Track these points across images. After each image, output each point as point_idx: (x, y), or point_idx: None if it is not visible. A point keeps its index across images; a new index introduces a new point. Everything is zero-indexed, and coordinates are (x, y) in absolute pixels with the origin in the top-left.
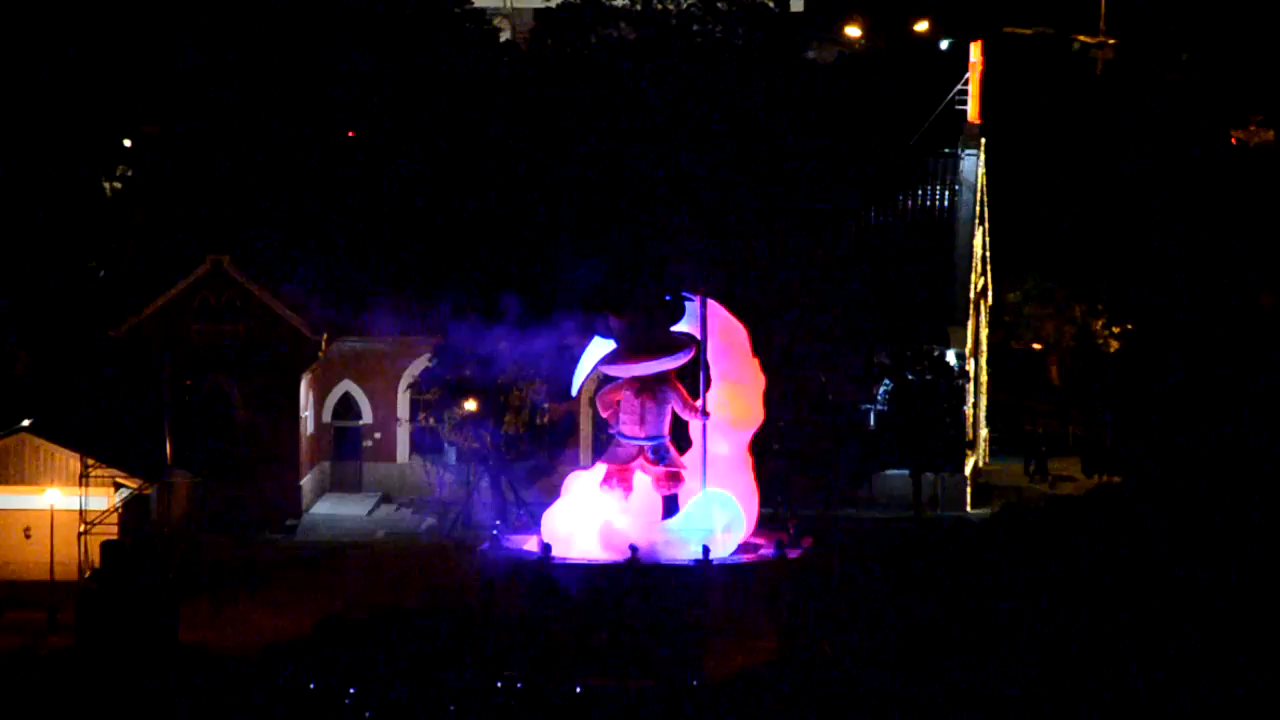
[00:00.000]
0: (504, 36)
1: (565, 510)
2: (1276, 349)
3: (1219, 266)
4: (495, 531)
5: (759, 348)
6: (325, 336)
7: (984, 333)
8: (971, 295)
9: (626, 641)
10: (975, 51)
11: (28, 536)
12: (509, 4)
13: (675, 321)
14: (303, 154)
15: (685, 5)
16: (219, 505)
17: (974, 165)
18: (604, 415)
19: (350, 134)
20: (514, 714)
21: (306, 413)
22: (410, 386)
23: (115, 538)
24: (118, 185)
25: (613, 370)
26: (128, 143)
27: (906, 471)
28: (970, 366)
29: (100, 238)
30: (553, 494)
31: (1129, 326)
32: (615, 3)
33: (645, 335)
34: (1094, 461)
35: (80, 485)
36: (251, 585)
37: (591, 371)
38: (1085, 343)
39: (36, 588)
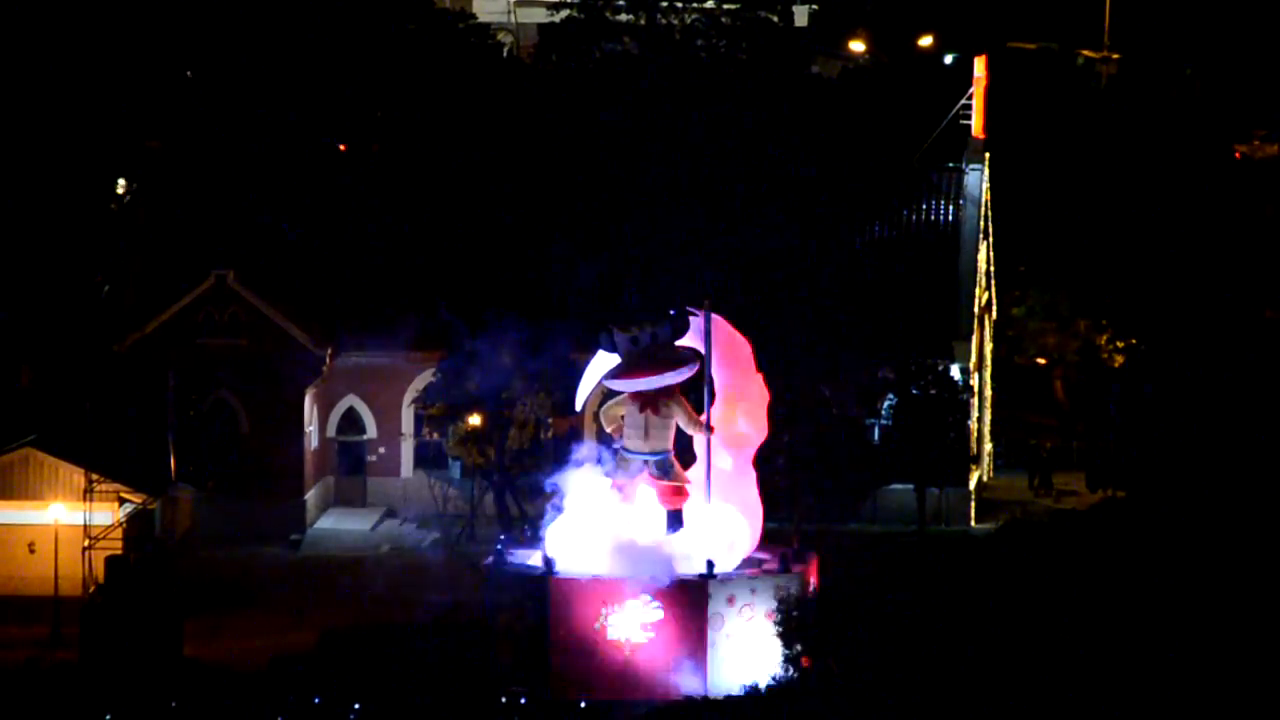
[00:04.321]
0: (507, 51)
1: (569, 525)
2: None
3: (1223, 280)
4: (499, 546)
5: (762, 362)
6: (329, 351)
7: (988, 347)
8: (975, 310)
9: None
10: (979, 66)
11: (32, 551)
12: (512, 19)
13: (679, 336)
14: (306, 168)
15: (689, 20)
16: (223, 520)
17: (978, 180)
18: (608, 430)
19: (343, 147)
20: None
21: (311, 428)
22: (414, 401)
23: (119, 553)
24: (124, 200)
25: (616, 385)
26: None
27: (910, 486)
28: (974, 381)
29: (104, 252)
30: (557, 509)
31: (1133, 341)
32: (619, 18)
33: (649, 350)
34: (1098, 476)
35: (84, 500)
36: (255, 599)
37: (595, 386)
38: (1089, 357)
39: (40, 603)
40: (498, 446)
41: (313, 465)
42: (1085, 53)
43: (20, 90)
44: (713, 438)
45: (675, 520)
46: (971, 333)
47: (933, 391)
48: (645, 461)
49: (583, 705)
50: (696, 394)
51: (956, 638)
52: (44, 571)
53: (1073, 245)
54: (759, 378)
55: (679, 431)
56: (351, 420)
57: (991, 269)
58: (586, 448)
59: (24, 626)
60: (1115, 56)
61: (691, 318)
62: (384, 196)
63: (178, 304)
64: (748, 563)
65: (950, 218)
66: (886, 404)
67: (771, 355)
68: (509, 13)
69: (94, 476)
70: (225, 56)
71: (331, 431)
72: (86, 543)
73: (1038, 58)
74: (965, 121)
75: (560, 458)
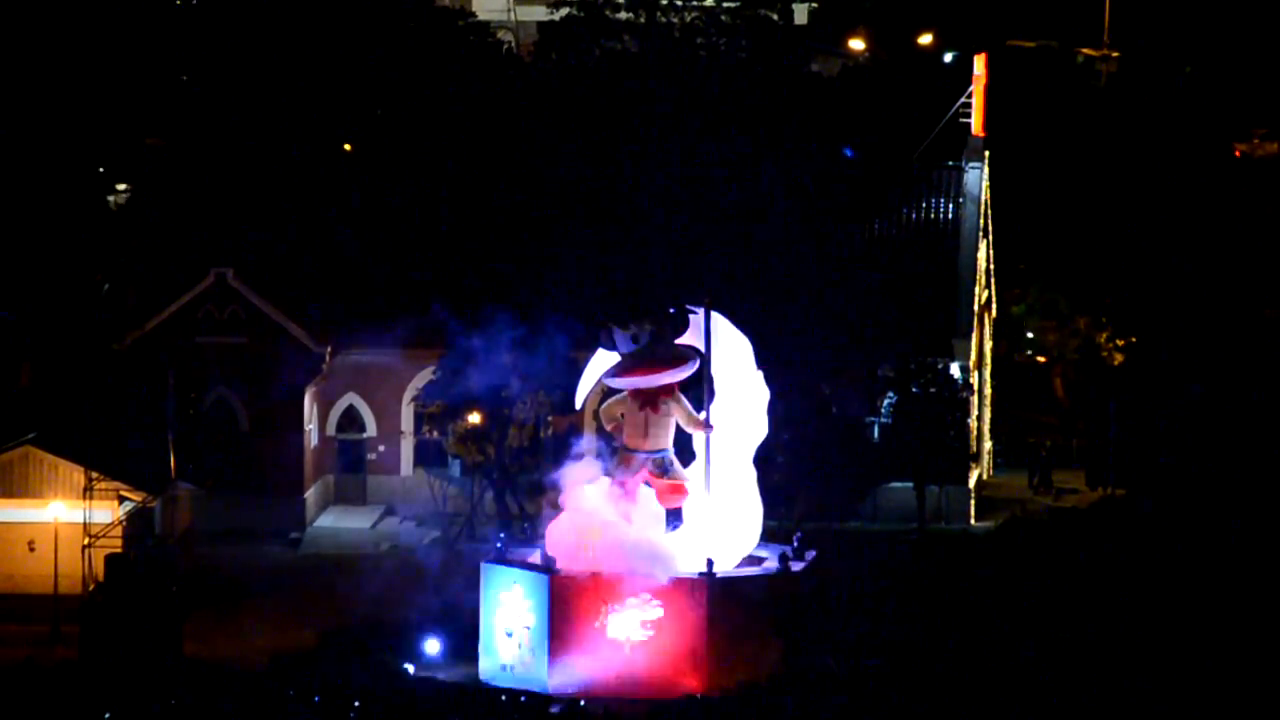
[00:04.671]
0: (506, 49)
1: (569, 523)
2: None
3: (1222, 279)
4: (499, 544)
5: (762, 360)
6: (329, 349)
7: (988, 345)
8: (975, 308)
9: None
10: (979, 64)
11: (31, 549)
12: (512, 17)
13: (679, 334)
14: (307, 166)
15: (689, 18)
16: (223, 518)
17: (978, 178)
18: (607, 428)
19: (349, 147)
20: None
21: (310, 426)
22: (414, 399)
23: (119, 551)
24: (121, 200)
25: (616, 383)
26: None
27: (910, 484)
28: (974, 379)
29: (105, 251)
30: (556, 507)
31: (1133, 339)
32: (619, 15)
33: (649, 348)
34: (1098, 474)
35: (84, 498)
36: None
37: (595, 384)
38: (1089, 355)
39: (40, 601)
40: (497, 445)
41: (312, 463)
42: (1085, 51)
43: (20, 88)
44: (712, 435)
45: (675, 518)
46: (971, 331)
47: (932, 390)
48: (645, 459)
49: (581, 703)
50: (696, 392)
51: (956, 636)
52: (44, 570)
53: (1072, 243)
54: (758, 376)
55: (678, 429)
56: (351, 418)
57: (991, 267)
58: (586, 440)
59: (23, 625)
60: (1115, 55)
61: (691, 315)
62: (384, 194)
63: (177, 302)
64: (747, 560)
65: (950, 216)
66: (886, 402)
67: (771, 353)
68: (509, 10)
69: (94, 474)
70: (225, 55)
71: (331, 429)
72: (86, 541)
73: (1037, 56)
74: (965, 120)
75: (560, 456)
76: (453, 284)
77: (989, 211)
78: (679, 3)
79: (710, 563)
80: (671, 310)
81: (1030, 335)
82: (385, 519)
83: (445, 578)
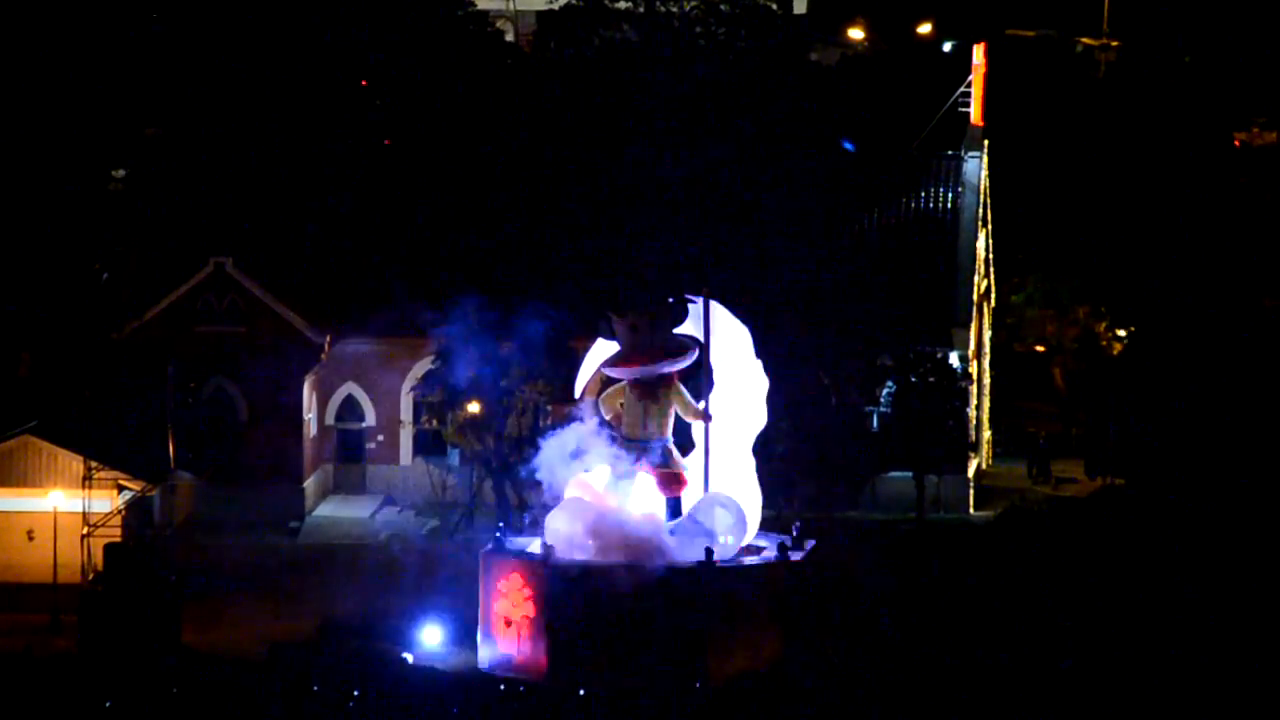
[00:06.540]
0: (507, 38)
1: (568, 512)
2: (1279, 351)
3: (1222, 268)
4: (498, 534)
5: (762, 349)
6: (328, 339)
7: (987, 334)
8: (974, 297)
9: (629, 644)
10: (978, 54)
11: (31, 539)
12: (511, 6)
13: (678, 323)
14: (305, 155)
15: (688, 7)
16: (222, 508)
17: (977, 167)
18: (607, 418)
19: (347, 138)
20: (517, 716)
21: (309, 415)
22: (413, 389)
23: (118, 540)
24: (120, 187)
25: (615, 372)
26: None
27: (909, 474)
28: (973, 368)
29: (103, 240)
30: (555, 496)
31: (1132, 328)
32: (618, 5)
33: (648, 337)
34: (1097, 463)
35: (83, 487)
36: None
37: (594, 374)
38: (1088, 345)
39: (39, 590)
40: (497, 434)
41: (311, 452)
42: (1084, 40)
43: (19, 78)
44: (711, 425)
45: (674, 508)
46: (970, 320)
47: (932, 379)
48: (644, 449)
49: (581, 692)
50: (696, 381)
51: (954, 624)
52: (43, 559)
53: (1072, 233)
54: (758, 365)
55: (678, 419)
56: (350, 407)
57: (990, 256)
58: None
59: (23, 614)
60: (1114, 44)
61: (690, 305)
62: (383, 183)
63: (176, 292)
64: (746, 550)
65: (949, 205)
66: (885, 392)
67: (771, 342)
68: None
69: (93, 464)
70: (223, 43)
71: (330, 419)
72: (85, 530)
73: (1037, 45)
74: (964, 109)
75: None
76: (451, 273)
77: (988, 201)
78: None
79: (709, 552)
80: (670, 300)
81: (1029, 325)
82: (384, 508)
83: (444, 567)
